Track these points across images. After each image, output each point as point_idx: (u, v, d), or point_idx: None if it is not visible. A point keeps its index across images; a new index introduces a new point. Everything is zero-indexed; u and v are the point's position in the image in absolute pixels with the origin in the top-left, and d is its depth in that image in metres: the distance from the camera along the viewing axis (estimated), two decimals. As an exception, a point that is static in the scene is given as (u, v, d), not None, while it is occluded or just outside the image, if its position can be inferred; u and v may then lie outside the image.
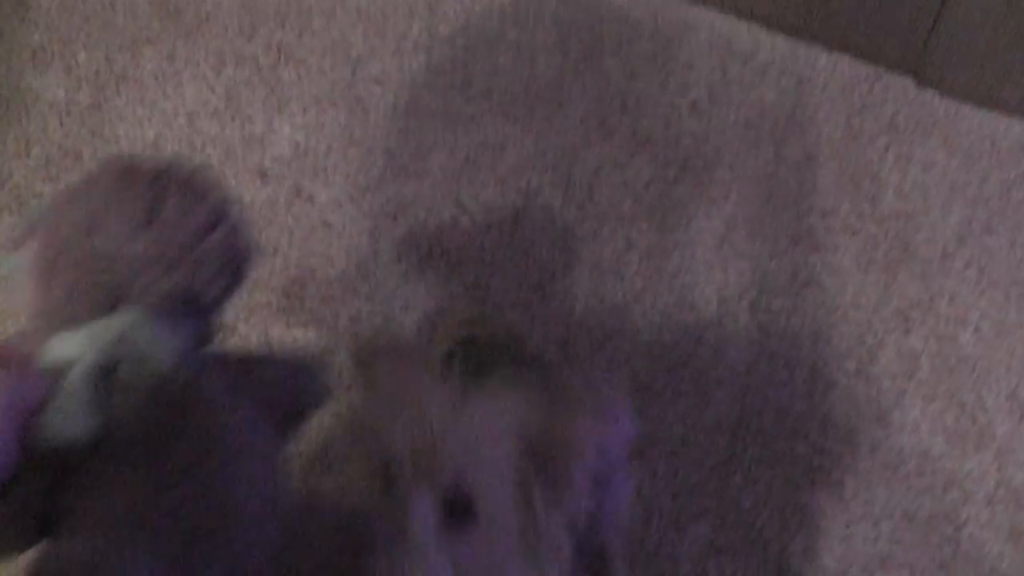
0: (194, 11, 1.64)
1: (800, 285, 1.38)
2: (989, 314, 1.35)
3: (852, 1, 1.49)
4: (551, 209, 1.46)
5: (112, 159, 0.89)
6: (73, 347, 0.80)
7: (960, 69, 1.48)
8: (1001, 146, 1.46)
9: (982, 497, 1.24)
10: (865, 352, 1.33)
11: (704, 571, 1.22)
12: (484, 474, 0.76)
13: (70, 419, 0.78)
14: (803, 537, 1.24)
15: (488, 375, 1.00)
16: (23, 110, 1.58)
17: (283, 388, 0.99)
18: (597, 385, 1.17)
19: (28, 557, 0.79)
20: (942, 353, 1.33)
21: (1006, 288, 1.36)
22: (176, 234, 0.85)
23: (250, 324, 1.40)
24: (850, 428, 1.29)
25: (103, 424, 0.79)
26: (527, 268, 1.42)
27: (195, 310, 0.87)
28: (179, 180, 0.88)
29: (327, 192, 1.49)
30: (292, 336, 1.39)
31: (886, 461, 1.27)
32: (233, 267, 0.91)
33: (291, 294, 1.42)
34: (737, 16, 1.58)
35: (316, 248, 1.45)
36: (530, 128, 1.52)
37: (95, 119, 1.57)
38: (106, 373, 0.79)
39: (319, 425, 1.23)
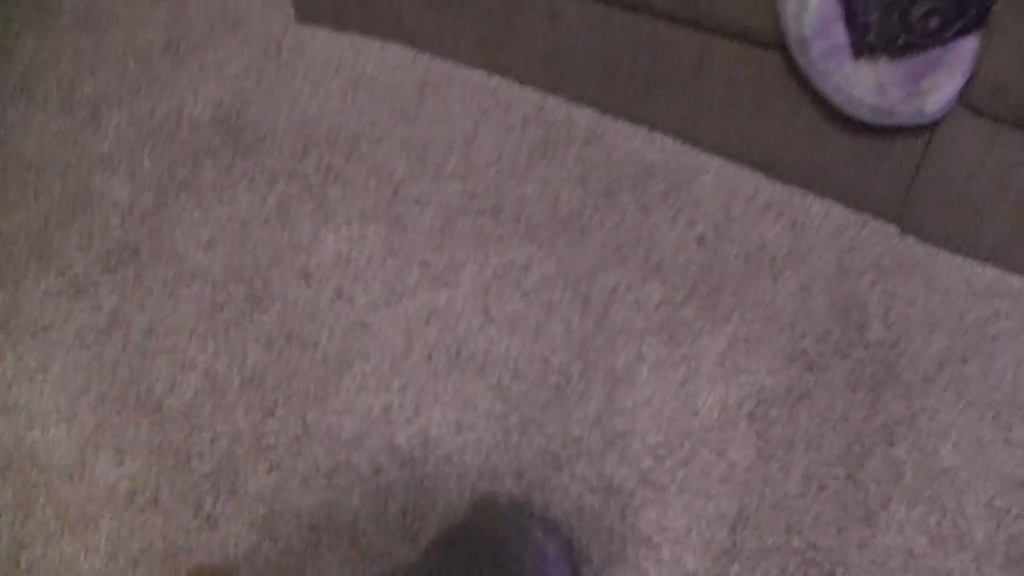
0: (253, 131, 1.82)
1: (794, 399, 1.52)
2: (967, 431, 1.48)
3: (842, 157, 1.67)
4: (570, 323, 1.60)
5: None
6: None
7: (938, 220, 1.65)
8: (976, 287, 1.62)
9: (961, 593, 1.36)
10: (853, 460, 1.46)
11: (703, 649, 1.32)
12: None
13: None
14: (795, 623, 1.34)
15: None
16: (88, 208, 1.73)
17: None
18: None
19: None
20: (924, 464, 1.45)
21: (981, 409, 1.50)
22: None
23: (288, 408, 1.52)
24: (840, 526, 1.41)
25: None
26: (546, 373, 1.55)
27: None
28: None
29: (366, 296, 1.63)
30: (327, 423, 1.51)
31: (873, 557, 1.38)
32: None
33: (328, 383, 1.54)
34: (741, 163, 1.76)
35: (353, 344, 1.58)
36: (553, 251, 1.67)
37: (155, 220, 1.72)
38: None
39: None
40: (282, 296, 1.63)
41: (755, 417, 1.51)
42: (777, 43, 1.58)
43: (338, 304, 1.63)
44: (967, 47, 1.48)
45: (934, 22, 1.47)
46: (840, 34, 1.51)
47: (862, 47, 1.51)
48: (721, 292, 1.63)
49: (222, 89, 1.89)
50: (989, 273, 1.64)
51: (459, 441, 1.49)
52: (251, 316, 1.61)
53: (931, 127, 1.56)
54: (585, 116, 1.84)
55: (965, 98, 1.51)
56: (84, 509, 1.46)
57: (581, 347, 1.58)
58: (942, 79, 1.50)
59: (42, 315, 1.63)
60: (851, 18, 1.50)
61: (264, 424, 1.52)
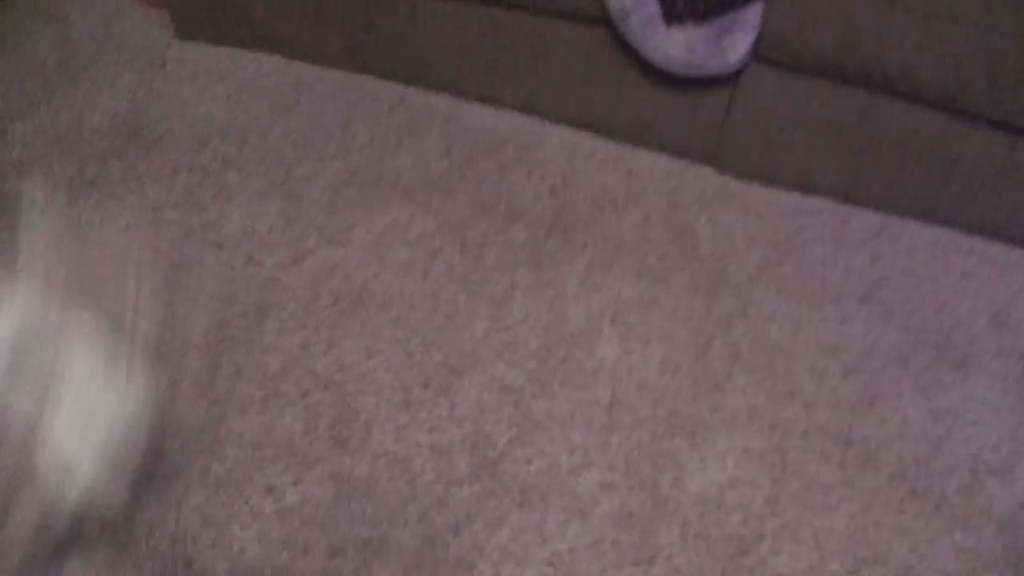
0: (150, 132, 2.04)
1: (646, 305, 1.83)
2: (788, 315, 1.82)
3: (664, 112, 2.01)
4: (451, 263, 1.88)
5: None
6: None
7: (747, 158, 2.01)
8: (784, 209, 1.98)
9: (798, 432, 1.68)
10: (699, 346, 1.78)
11: (598, 501, 1.60)
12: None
13: None
14: (670, 473, 1.63)
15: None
16: (4, 209, 1.92)
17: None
18: None
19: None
20: (757, 342, 1.78)
21: (798, 297, 1.84)
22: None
23: (219, 351, 1.74)
24: (695, 397, 1.72)
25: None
26: (437, 304, 1.82)
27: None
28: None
29: (273, 258, 1.87)
30: (255, 361, 1.74)
31: (724, 417, 1.69)
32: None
33: (251, 330, 1.77)
34: (579, 127, 2.08)
35: (268, 297, 1.82)
36: (429, 209, 1.96)
37: (71, 212, 1.92)
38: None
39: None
40: (199, 263, 1.86)
41: (616, 322, 1.81)
42: (602, 19, 1.91)
43: (250, 267, 1.86)
44: (754, 11, 1.84)
45: (726, -10, 1.82)
46: (653, 7, 1.85)
47: (672, 16, 1.85)
48: (575, 229, 1.94)
49: (117, 100, 2.11)
50: (793, 198, 2.00)
51: (370, 364, 1.74)
52: (173, 283, 1.83)
53: (734, 79, 1.92)
54: (443, 100, 2.14)
55: (758, 52, 1.87)
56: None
57: (463, 282, 1.86)
58: (738, 37, 1.85)
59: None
60: (661, -8, 1.85)
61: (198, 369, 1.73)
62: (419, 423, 1.67)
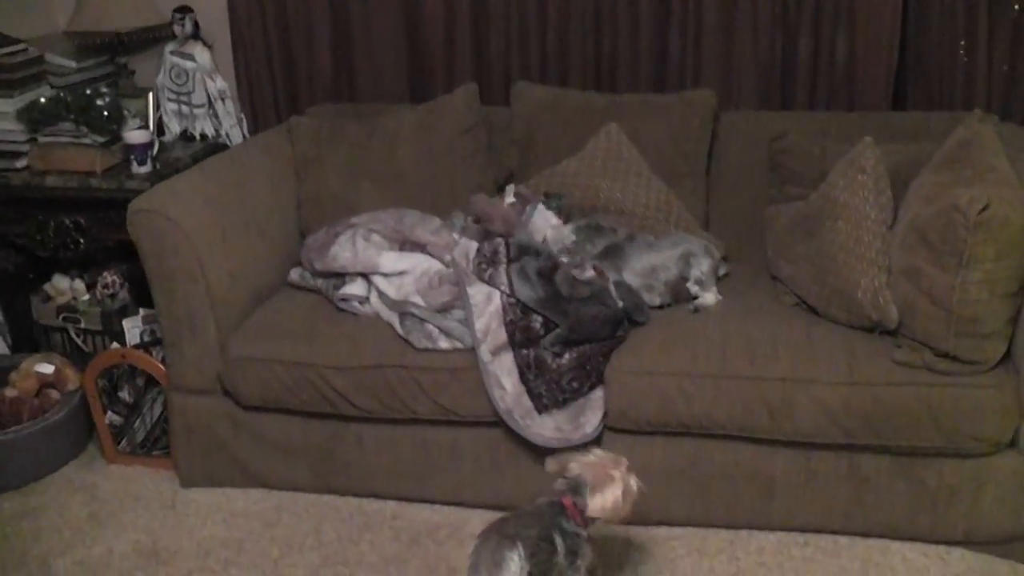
0: (167, 551, 2.68)
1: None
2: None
3: (547, 487, 2.69)
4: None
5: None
6: None
7: (620, 509, 2.67)
8: (640, 540, 2.61)
9: None
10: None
11: None
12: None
13: None
14: None
15: None
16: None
17: None
18: None
19: None
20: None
21: (667, 594, 2.44)
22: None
23: None
24: None
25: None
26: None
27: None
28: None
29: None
30: None
31: None
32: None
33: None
34: (491, 509, 2.74)
35: None
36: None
37: (109, 614, 2.49)
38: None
39: None
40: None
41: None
42: (497, 421, 2.64)
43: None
44: (598, 394, 2.60)
45: (575, 384, 2.59)
46: (527, 402, 2.60)
47: (541, 407, 2.60)
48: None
49: (138, 533, 2.74)
50: (662, 529, 2.64)
51: None
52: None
53: (596, 444, 2.62)
54: (390, 505, 2.81)
55: (607, 423, 2.60)
56: None
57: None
58: (591, 415, 2.60)
59: None
60: (531, 392, 2.61)
61: None
62: None
